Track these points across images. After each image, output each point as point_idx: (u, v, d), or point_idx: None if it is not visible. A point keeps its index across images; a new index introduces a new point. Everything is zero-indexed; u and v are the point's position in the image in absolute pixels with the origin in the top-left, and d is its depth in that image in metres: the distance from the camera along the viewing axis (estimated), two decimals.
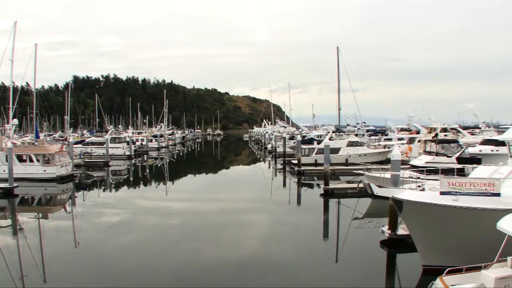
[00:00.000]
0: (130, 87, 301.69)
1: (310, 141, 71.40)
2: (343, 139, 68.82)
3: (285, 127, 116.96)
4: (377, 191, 19.15)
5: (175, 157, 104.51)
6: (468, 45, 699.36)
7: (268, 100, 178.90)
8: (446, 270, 12.65)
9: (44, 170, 49.75)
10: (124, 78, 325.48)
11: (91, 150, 76.69)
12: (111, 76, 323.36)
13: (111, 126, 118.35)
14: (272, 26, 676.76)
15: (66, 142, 63.74)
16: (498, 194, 16.51)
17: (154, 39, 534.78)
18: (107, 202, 40.81)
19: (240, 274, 19.50)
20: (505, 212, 13.32)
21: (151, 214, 34.27)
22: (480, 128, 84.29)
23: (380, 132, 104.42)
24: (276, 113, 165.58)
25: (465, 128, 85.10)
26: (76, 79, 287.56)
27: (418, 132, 69.42)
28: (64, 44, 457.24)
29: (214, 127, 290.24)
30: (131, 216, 33.85)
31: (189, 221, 31.87)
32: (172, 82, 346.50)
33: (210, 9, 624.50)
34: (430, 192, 18.53)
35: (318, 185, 47.33)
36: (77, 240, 26.03)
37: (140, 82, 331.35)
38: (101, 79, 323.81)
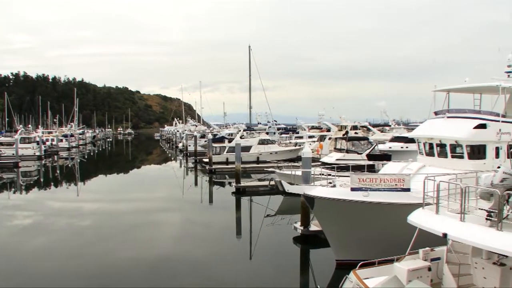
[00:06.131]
0: (40, 85, 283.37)
1: (221, 139, 71.16)
2: (254, 137, 69.33)
3: (196, 126, 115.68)
4: (289, 188, 19.17)
5: (86, 157, 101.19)
6: (378, 45, 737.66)
7: (179, 99, 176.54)
8: (359, 264, 12.70)
9: None
10: (34, 76, 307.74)
11: (0, 150, 71.93)
12: (21, 73, 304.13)
13: (21, 126, 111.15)
14: (183, 25, 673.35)
15: None
16: (408, 189, 17.04)
17: (66, 37, 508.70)
18: (18, 204, 39.16)
19: (153, 274, 18.90)
20: (415, 206, 13.62)
21: (64, 216, 32.93)
22: (390, 125, 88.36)
23: (291, 130, 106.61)
24: (187, 112, 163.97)
25: (375, 125, 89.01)
26: None
27: (328, 130, 71.57)
28: None
29: (125, 126, 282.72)
30: (43, 218, 32.39)
31: (102, 221, 30.93)
32: (82, 80, 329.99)
33: (122, 7, 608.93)
34: (341, 189, 18.84)
35: (229, 183, 47.10)
36: None
37: (50, 80, 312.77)
38: (10, 77, 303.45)
